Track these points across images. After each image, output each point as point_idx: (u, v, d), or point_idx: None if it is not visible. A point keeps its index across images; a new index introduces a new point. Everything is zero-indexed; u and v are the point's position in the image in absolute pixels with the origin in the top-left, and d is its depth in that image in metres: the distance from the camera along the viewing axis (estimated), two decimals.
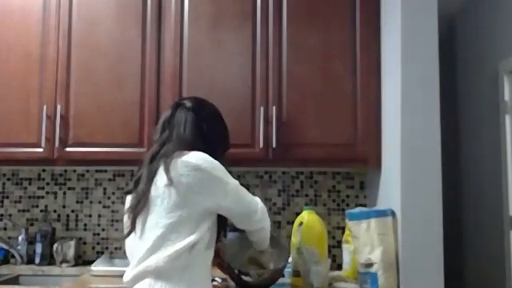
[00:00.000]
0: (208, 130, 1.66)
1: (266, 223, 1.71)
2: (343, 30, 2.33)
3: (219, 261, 1.84)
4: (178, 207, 1.48)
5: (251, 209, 1.64)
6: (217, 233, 1.61)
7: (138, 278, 1.48)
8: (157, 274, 1.45)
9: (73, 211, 2.61)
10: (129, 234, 1.56)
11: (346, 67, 2.32)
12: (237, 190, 1.59)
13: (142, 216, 1.52)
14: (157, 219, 1.49)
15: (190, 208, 1.49)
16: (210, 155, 1.55)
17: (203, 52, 2.33)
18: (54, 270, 2.43)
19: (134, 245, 1.54)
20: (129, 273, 1.52)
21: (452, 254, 2.75)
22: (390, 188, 2.15)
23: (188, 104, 1.68)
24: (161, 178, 1.50)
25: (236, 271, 1.85)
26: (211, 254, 1.57)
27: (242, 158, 2.24)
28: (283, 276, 2.13)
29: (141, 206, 1.51)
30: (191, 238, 1.47)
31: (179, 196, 1.48)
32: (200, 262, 1.53)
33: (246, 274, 1.85)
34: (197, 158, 1.52)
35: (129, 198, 1.62)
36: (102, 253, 2.57)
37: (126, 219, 1.58)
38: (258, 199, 1.69)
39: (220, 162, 1.57)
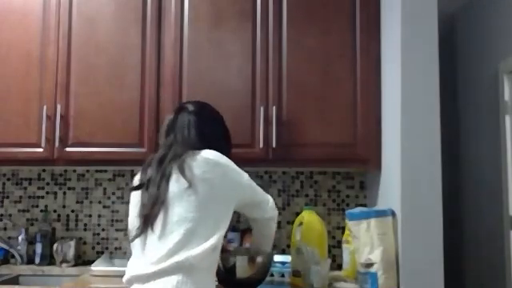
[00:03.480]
0: (210, 132, 1.71)
1: (276, 213, 1.85)
2: (343, 29, 2.33)
3: None
4: (204, 203, 1.49)
5: (265, 197, 1.79)
6: None
7: (164, 273, 1.43)
8: (187, 269, 1.43)
9: (73, 211, 2.61)
10: (139, 235, 1.52)
11: (345, 67, 2.32)
12: (250, 182, 1.69)
13: (161, 215, 1.50)
14: (185, 213, 1.47)
15: (215, 204, 1.51)
16: None
17: (203, 52, 2.33)
18: (54, 269, 2.43)
19: (150, 244, 1.50)
20: (146, 267, 1.45)
21: (452, 254, 2.75)
22: (390, 188, 2.15)
23: (190, 108, 1.74)
24: (179, 179, 1.50)
25: (221, 265, 1.86)
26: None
27: (242, 157, 2.22)
28: (283, 276, 2.14)
29: (157, 209, 1.50)
30: (216, 238, 1.48)
31: (204, 192, 1.50)
32: (216, 262, 1.55)
33: (233, 268, 1.85)
34: (214, 154, 1.58)
35: (135, 196, 1.59)
36: (102, 253, 2.58)
37: (135, 220, 1.55)
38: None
39: None
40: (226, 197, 1.56)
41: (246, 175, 1.67)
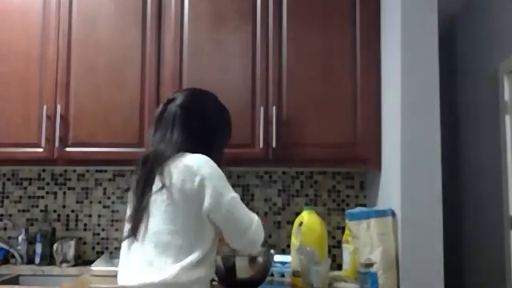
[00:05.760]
0: (197, 128, 1.61)
1: (257, 244, 1.58)
2: (343, 29, 2.33)
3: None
4: (181, 215, 1.46)
5: (242, 227, 1.52)
6: None
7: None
8: (169, 285, 1.42)
9: (73, 211, 2.61)
10: (126, 238, 1.54)
11: (345, 67, 2.31)
12: (230, 206, 1.50)
13: (143, 221, 1.50)
14: (163, 225, 1.46)
15: (192, 217, 1.47)
16: (205, 155, 1.53)
17: (203, 52, 2.33)
18: (54, 269, 2.43)
19: (133, 251, 1.52)
20: (129, 279, 1.49)
21: (452, 254, 2.75)
22: (390, 188, 2.15)
23: (178, 100, 1.64)
24: (159, 185, 1.48)
25: (221, 265, 1.86)
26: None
27: (242, 158, 2.24)
28: (283, 276, 2.13)
29: (140, 211, 1.50)
30: (197, 253, 1.45)
31: (181, 204, 1.46)
32: (205, 276, 1.50)
33: (233, 268, 1.86)
34: (198, 162, 1.50)
35: (130, 196, 1.61)
36: (102, 253, 2.57)
37: (125, 223, 1.58)
38: (253, 216, 1.56)
39: (214, 160, 1.54)
40: (201, 210, 1.48)
41: (229, 194, 1.50)
